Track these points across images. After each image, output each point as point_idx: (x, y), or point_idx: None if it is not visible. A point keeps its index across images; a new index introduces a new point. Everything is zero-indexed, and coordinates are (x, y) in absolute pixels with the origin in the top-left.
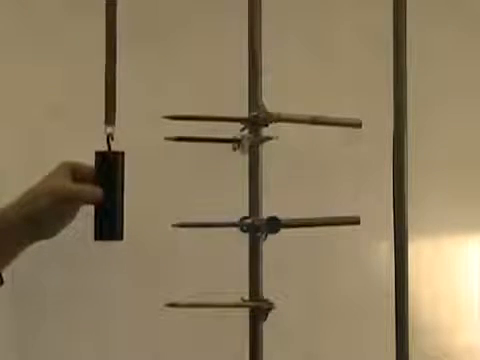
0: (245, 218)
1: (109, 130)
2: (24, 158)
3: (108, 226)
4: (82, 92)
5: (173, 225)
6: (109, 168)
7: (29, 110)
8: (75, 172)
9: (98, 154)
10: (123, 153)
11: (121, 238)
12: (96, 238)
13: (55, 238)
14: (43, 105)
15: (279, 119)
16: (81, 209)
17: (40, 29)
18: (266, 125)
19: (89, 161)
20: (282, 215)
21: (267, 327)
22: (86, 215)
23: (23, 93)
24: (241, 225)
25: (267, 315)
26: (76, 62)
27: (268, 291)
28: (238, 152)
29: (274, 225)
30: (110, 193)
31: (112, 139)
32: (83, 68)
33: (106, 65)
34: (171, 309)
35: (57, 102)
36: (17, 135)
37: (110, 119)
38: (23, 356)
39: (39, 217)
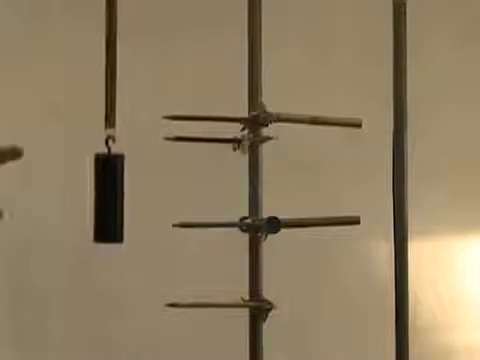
0: (245, 218)
1: (109, 133)
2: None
3: (108, 228)
4: (82, 92)
5: (173, 225)
6: (109, 171)
7: (28, 110)
8: None
9: (98, 157)
10: (123, 156)
11: (121, 240)
12: (96, 240)
13: (57, 238)
14: (43, 105)
15: (279, 119)
16: (83, 208)
17: (40, 29)
18: (266, 125)
19: (89, 161)
20: (282, 215)
21: (267, 327)
22: (87, 215)
23: (23, 93)
24: (241, 225)
25: (267, 315)
26: (76, 62)
27: (268, 291)
28: (238, 152)
29: (274, 225)
30: (110, 196)
31: (113, 142)
32: (83, 68)
33: (106, 67)
34: (171, 309)
35: (57, 102)
36: (16, 134)
37: (110, 122)
38: (24, 352)
39: None
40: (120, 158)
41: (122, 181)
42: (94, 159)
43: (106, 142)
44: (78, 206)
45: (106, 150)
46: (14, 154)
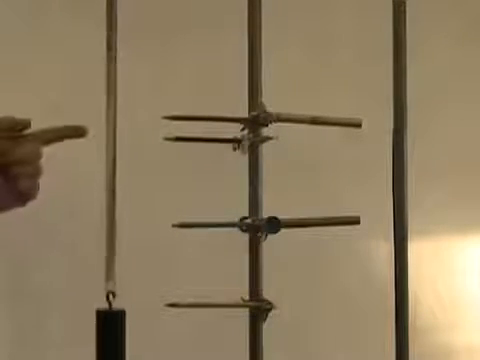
0: (245, 218)
1: (110, 287)
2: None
3: None
4: (82, 92)
5: (173, 225)
6: (110, 327)
7: (28, 109)
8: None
9: (99, 313)
10: (124, 312)
11: None
12: None
13: (59, 238)
14: (43, 104)
15: (279, 119)
16: (88, 202)
17: (40, 29)
18: (266, 125)
19: (89, 160)
20: (282, 215)
21: (267, 327)
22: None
23: (22, 93)
24: (241, 225)
25: (267, 315)
26: (76, 63)
27: (268, 291)
28: (238, 152)
29: (274, 225)
30: (111, 352)
31: (113, 297)
32: (83, 68)
33: (107, 67)
34: (171, 309)
35: (57, 101)
36: None
37: (110, 275)
38: (24, 350)
39: None
40: (121, 314)
41: (124, 336)
42: (96, 314)
43: (107, 297)
44: (82, 206)
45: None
46: (78, 133)
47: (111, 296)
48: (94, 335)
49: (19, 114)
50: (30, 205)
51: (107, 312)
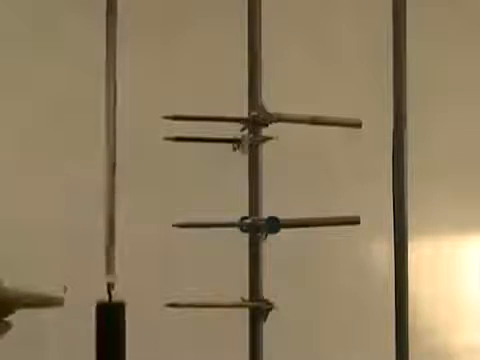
0: (245, 218)
1: (110, 280)
2: (18, 157)
3: None
4: (83, 92)
5: (173, 225)
6: (110, 319)
7: (28, 110)
8: None
9: (99, 305)
10: (124, 304)
11: None
12: None
13: (58, 233)
14: (43, 104)
15: (279, 119)
16: (88, 203)
17: (40, 29)
18: (266, 125)
19: (89, 160)
20: (282, 215)
21: (267, 327)
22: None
23: (23, 93)
24: (241, 225)
25: (267, 315)
26: (76, 62)
27: (268, 291)
28: (238, 152)
29: (274, 225)
30: (112, 344)
31: (112, 288)
32: (83, 68)
33: (106, 68)
34: (171, 309)
35: (57, 101)
36: (17, 135)
37: (111, 268)
38: (23, 349)
39: None
40: (121, 306)
41: (124, 328)
42: (96, 307)
43: (108, 290)
44: (81, 206)
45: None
46: (55, 302)
47: (111, 288)
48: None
49: (19, 114)
50: (27, 200)
51: (107, 304)
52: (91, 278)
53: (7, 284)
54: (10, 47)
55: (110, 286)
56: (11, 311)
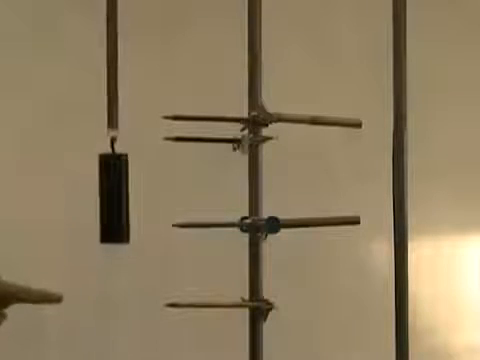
0: (245, 218)
1: (112, 134)
2: (18, 157)
3: (114, 229)
4: (83, 91)
5: (173, 225)
6: (113, 170)
7: (27, 109)
8: None
9: (102, 157)
10: (126, 156)
11: (127, 241)
12: (102, 241)
13: (59, 238)
14: (43, 104)
15: (279, 119)
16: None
17: (40, 29)
18: (266, 125)
19: (89, 161)
20: (282, 215)
21: (267, 327)
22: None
23: (24, 92)
24: (241, 225)
25: (267, 315)
26: (77, 62)
27: (268, 291)
28: (238, 152)
29: (274, 225)
30: (115, 195)
31: (115, 142)
32: (84, 67)
33: (107, 68)
34: (171, 309)
35: (57, 101)
36: (17, 135)
37: (113, 122)
38: (23, 350)
39: None
40: (124, 157)
41: (127, 180)
42: (98, 158)
43: (111, 143)
44: (81, 206)
45: (110, 150)
46: (52, 299)
47: (114, 142)
48: None
49: (19, 114)
50: (29, 201)
51: (109, 156)
52: (91, 278)
53: (4, 278)
54: (10, 47)
55: (113, 140)
56: (7, 305)
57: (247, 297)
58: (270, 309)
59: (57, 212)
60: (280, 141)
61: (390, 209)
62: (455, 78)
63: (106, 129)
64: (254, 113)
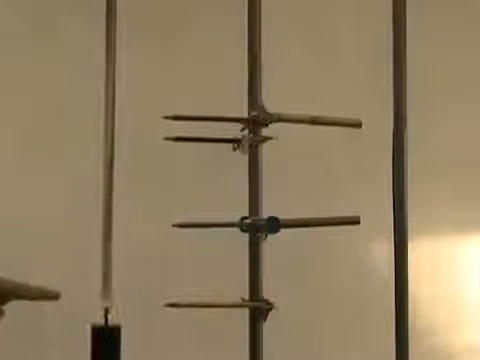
0: (245, 218)
1: (106, 304)
2: (18, 157)
3: None
4: (82, 93)
5: (173, 225)
6: (106, 343)
7: (28, 109)
8: None
9: (94, 329)
10: (119, 328)
11: None
12: None
13: (59, 231)
14: (43, 104)
15: (279, 119)
16: (88, 203)
17: (40, 28)
18: (266, 125)
19: (90, 161)
20: (282, 215)
21: (267, 327)
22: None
23: (23, 93)
24: (241, 225)
25: (267, 315)
26: (76, 62)
27: (268, 291)
28: (238, 152)
29: (274, 225)
30: None
31: (109, 313)
32: (83, 68)
33: (107, 68)
34: (171, 309)
35: (57, 101)
36: (17, 136)
37: (106, 296)
38: (23, 350)
39: None
40: (117, 329)
41: (119, 352)
42: (91, 331)
43: (105, 314)
44: (81, 206)
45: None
46: (50, 296)
47: (108, 313)
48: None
49: (19, 114)
50: (28, 202)
51: (103, 327)
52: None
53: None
54: (10, 47)
55: (107, 311)
56: (5, 302)
57: (247, 297)
58: (270, 309)
59: (57, 212)
60: (280, 141)
61: (390, 209)
62: (455, 78)
63: (99, 299)
64: (254, 113)
